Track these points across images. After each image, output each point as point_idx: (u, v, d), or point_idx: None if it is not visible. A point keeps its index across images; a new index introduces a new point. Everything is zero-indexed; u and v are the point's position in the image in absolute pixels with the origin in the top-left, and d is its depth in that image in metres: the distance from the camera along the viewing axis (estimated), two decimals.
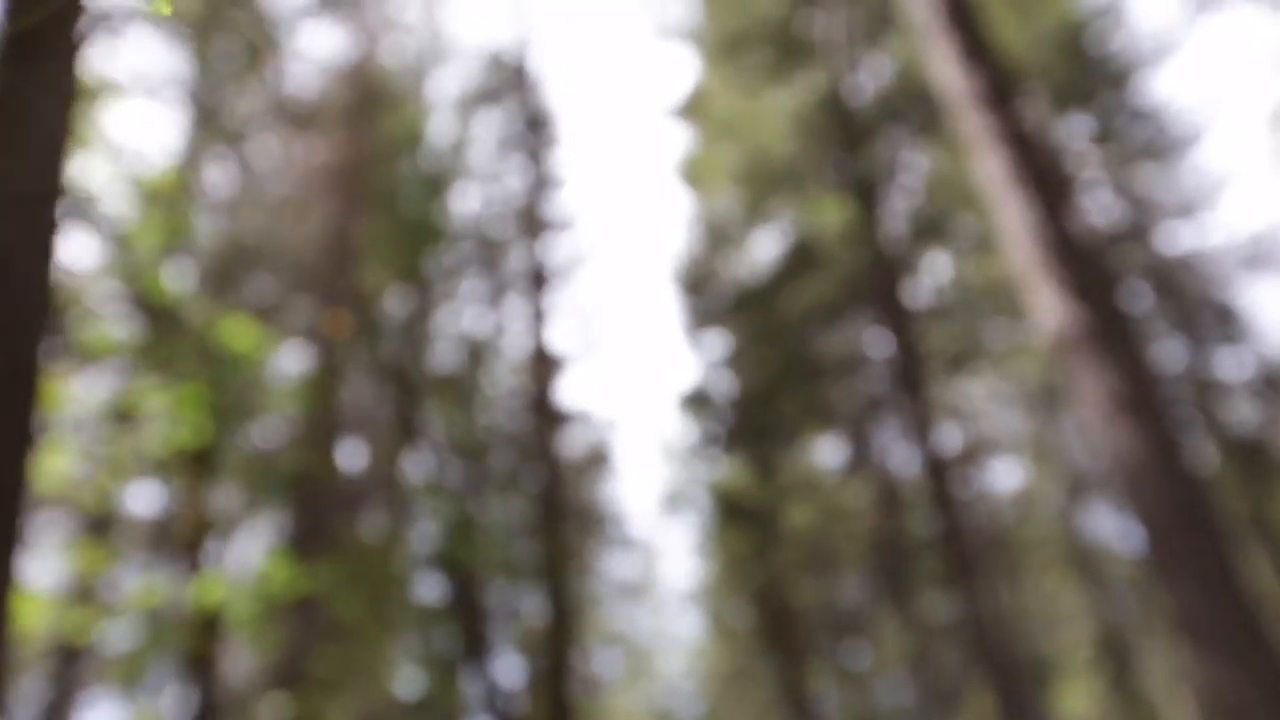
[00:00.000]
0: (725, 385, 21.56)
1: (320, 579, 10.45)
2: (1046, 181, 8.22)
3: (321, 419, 16.92)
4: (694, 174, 21.14)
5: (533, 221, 18.54)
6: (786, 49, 19.15)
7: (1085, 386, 7.52)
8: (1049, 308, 7.92)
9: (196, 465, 9.00)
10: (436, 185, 20.97)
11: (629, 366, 28.35)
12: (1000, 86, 8.74)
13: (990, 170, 8.59)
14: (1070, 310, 7.75)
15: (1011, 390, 26.27)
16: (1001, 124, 8.55)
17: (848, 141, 18.10)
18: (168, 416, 8.72)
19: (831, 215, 16.71)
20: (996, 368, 26.15)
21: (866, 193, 17.67)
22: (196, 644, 8.28)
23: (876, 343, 21.26)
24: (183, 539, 9.32)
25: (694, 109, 20.09)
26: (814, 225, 18.50)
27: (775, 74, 18.48)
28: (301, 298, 15.05)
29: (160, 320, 10.06)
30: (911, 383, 19.63)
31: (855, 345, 20.67)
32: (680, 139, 21.72)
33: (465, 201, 21.94)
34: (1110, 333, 7.56)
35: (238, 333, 9.10)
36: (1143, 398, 7.19)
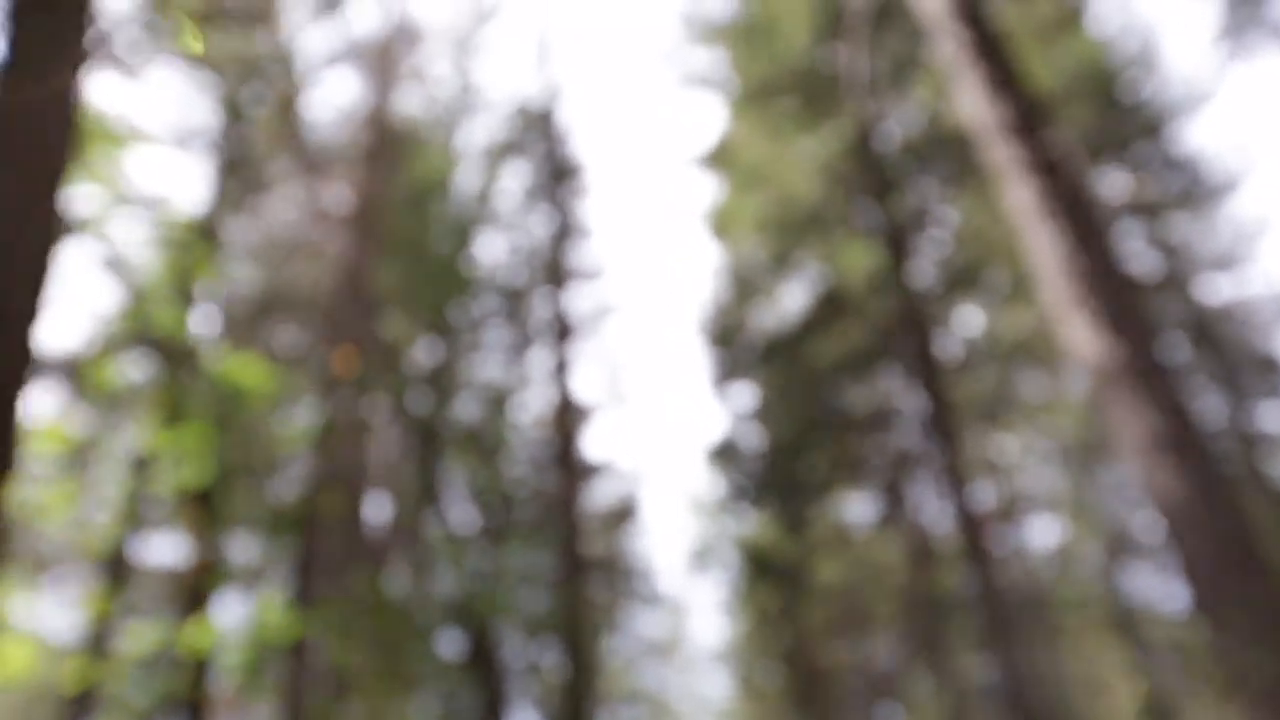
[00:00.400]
0: (753, 438, 21.18)
1: (328, 628, 10.14)
2: (1078, 211, 7.90)
3: (346, 469, 16.68)
4: (721, 223, 20.95)
5: (558, 271, 18.39)
6: (813, 96, 19.01)
7: (1124, 423, 7.14)
8: (1083, 341, 7.57)
9: (203, 508, 8.75)
10: (462, 234, 20.88)
11: (656, 418, 28.01)
12: (1029, 116, 8.46)
13: (1020, 201, 8.29)
14: (1106, 344, 7.40)
15: (1047, 445, 25.70)
16: (1031, 153, 8.26)
17: (876, 189, 17.86)
18: (174, 457, 8.50)
19: (860, 263, 16.42)
20: (1031, 421, 25.61)
21: (896, 241, 17.39)
22: (191, 692, 7.99)
23: (907, 395, 20.85)
24: (188, 584, 9.06)
25: (721, 158, 19.94)
26: (842, 274, 18.21)
27: (803, 122, 18.31)
28: (322, 344, 14.90)
29: (173, 361, 9.89)
30: (944, 436, 19.16)
31: (886, 397, 20.27)
32: (707, 188, 21.57)
33: (491, 251, 21.84)
34: (1148, 367, 7.19)
35: (249, 373, 8.89)
36: (1184, 435, 6.80)
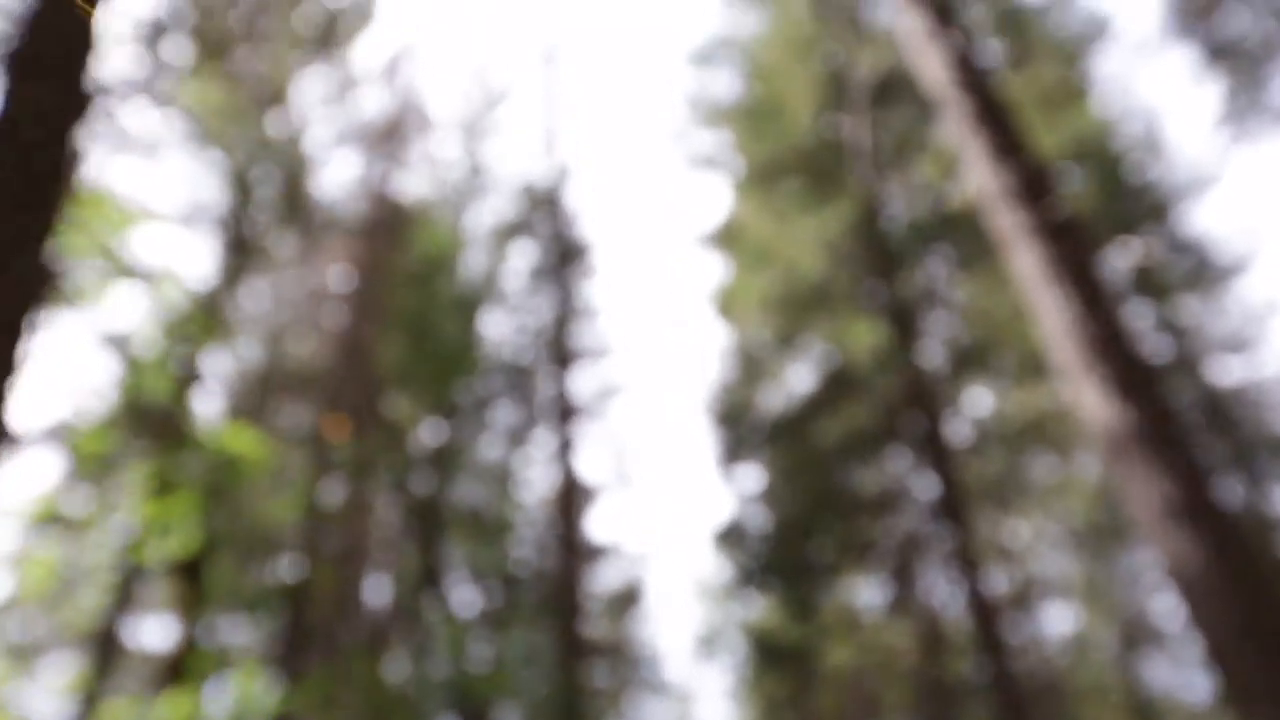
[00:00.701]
0: (760, 520, 20.86)
1: (320, 709, 9.82)
2: (1085, 276, 7.77)
3: (346, 548, 16.41)
4: (727, 303, 20.89)
5: (563, 352, 18.30)
6: (819, 175, 19.06)
7: (1137, 491, 6.91)
8: (1094, 408, 7.38)
9: (191, 582, 8.52)
10: (468, 313, 20.83)
11: (662, 500, 27.70)
12: (1033, 182, 8.38)
13: (1026, 267, 8.16)
14: (1116, 409, 7.20)
15: (1060, 529, 25.29)
16: (1035, 219, 8.16)
17: (883, 268, 17.81)
18: (162, 528, 8.30)
19: (867, 343, 16.29)
20: (1043, 505, 25.23)
21: (903, 320, 17.28)
22: None
23: (916, 476, 20.56)
24: (175, 664, 8.79)
25: (727, 237, 19.96)
26: (849, 353, 18.07)
27: (808, 201, 18.34)
28: (324, 421, 14.76)
29: (167, 433, 9.74)
30: (954, 519, 18.80)
31: (894, 479, 19.98)
32: (714, 268, 21.57)
33: (496, 330, 21.81)
34: (1160, 433, 6.99)
35: (243, 443, 8.73)
36: (1199, 502, 6.58)
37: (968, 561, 18.18)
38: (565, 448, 17.18)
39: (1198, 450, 7.02)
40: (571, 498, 15.96)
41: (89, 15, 5.66)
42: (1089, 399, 7.46)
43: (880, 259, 18.00)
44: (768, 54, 20.74)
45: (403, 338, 19.40)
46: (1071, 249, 7.97)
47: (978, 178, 8.96)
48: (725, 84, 21.14)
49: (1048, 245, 8.04)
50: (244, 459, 8.60)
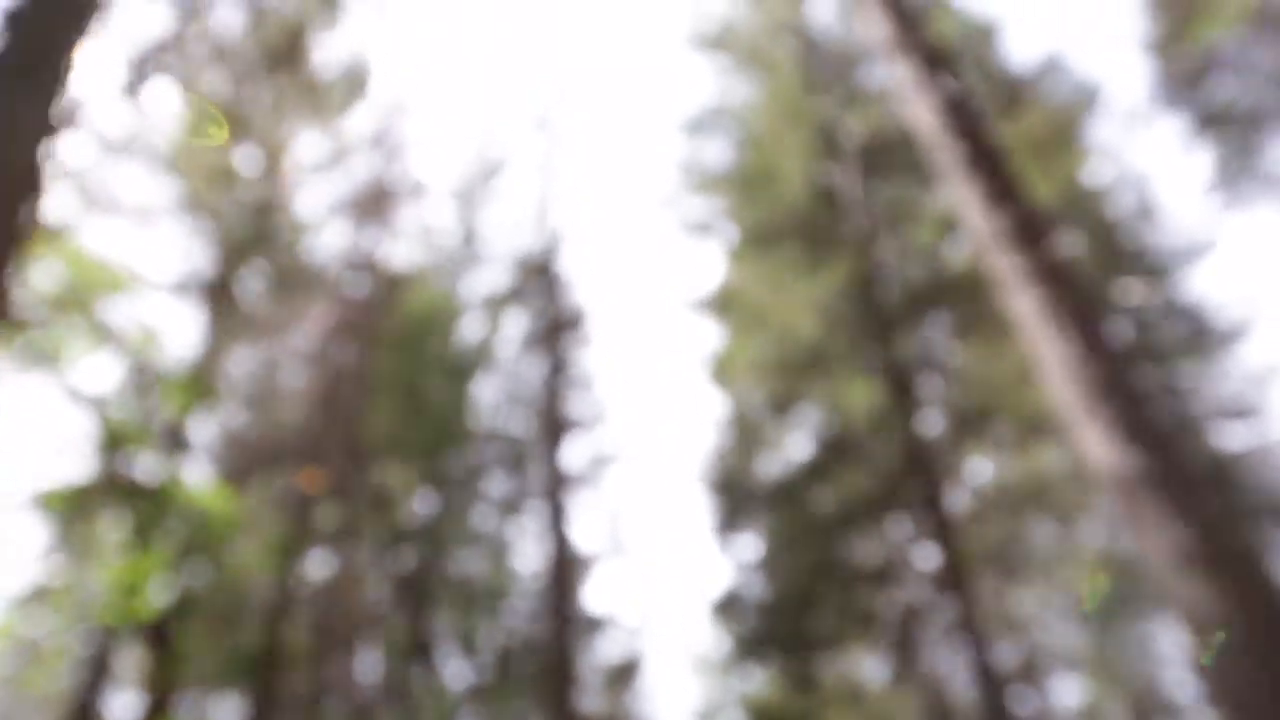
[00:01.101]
0: (758, 590, 20.41)
1: None
2: (1084, 318, 7.55)
3: (336, 622, 15.97)
4: (722, 369, 20.68)
5: (556, 421, 18.00)
6: (814, 240, 18.98)
7: (1147, 537, 6.62)
8: (1099, 453, 7.11)
9: (159, 646, 8.16)
10: (461, 382, 20.58)
11: (659, 570, 27.21)
12: (1028, 225, 8.21)
13: (1023, 310, 7.95)
14: (1122, 453, 6.93)
15: (1066, 599, 24.79)
16: (1032, 261, 7.97)
17: (879, 332, 17.62)
18: (128, 587, 7.97)
19: (864, 406, 16.03)
20: (1047, 574, 24.75)
21: (900, 385, 17.03)
22: None
23: (917, 545, 20.17)
24: None
25: (721, 302, 19.80)
26: (846, 418, 17.82)
27: (803, 265, 18.22)
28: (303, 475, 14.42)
29: (144, 497, 9.45)
30: (957, 589, 18.35)
31: (895, 547, 19.58)
32: (708, 334, 21.39)
33: (488, 398, 21.53)
34: (1170, 477, 6.71)
35: (217, 502, 8.43)
36: (1215, 546, 6.28)
37: (972, 632, 17.70)
38: (558, 518, 16.81)
39: (1208, 494, 6.75)
40: (566, 568, 15.55)
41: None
42: (1094, 444, 7.20)
43: (876, 323, 17.81)
44: (760, 120, 20.79)
45: (393, 405, 19.15)
46: (1070, 291, 7.77)
47: (972, 223, 8.79)
48: (718, 151, 21.16)
49: (1045, 288, 7.84)
50: (219, 518, 8.29)
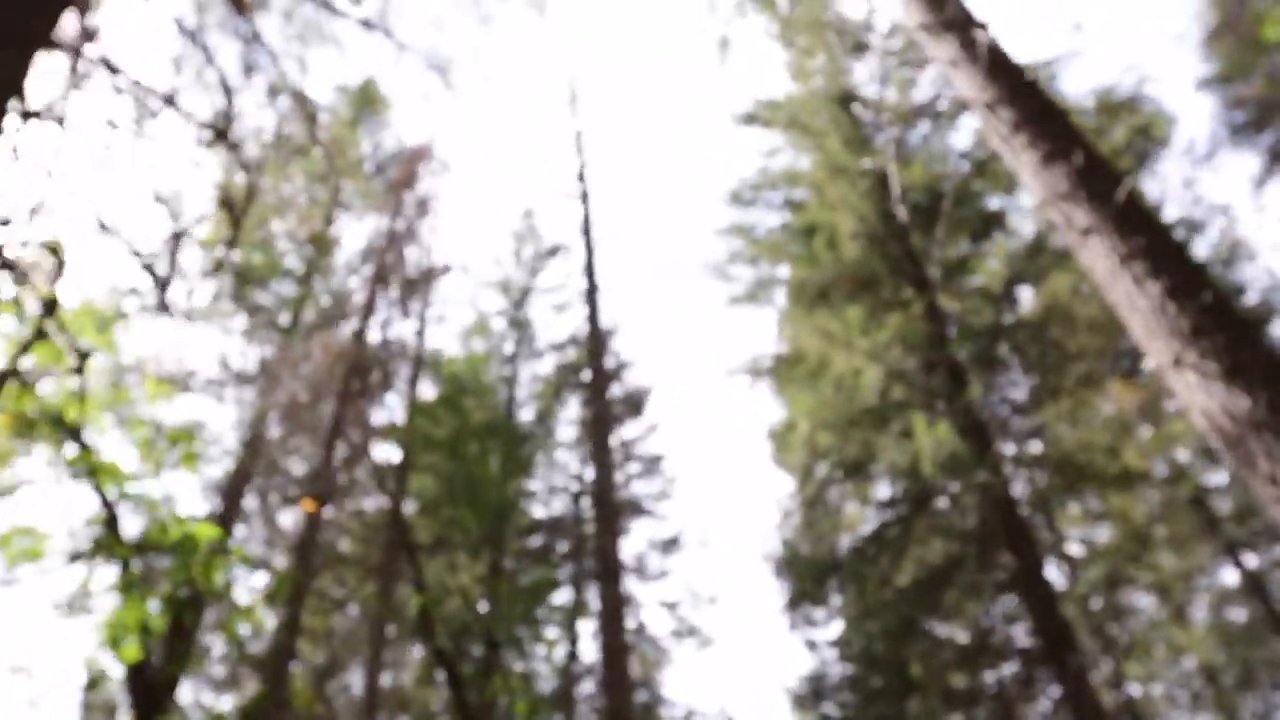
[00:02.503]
0: (839, 673, 18.97)
1: None
2: (1164, 257, 6.59)
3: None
4: (785, 440, 19.70)
5: (611, 507, 17.03)
6: (873, 295, 18.11)
7: (1262, 486, 5.56)
8: (1197, 402, 6.08)
9: (151, 700, 7.33)
10: (516, 472, 19.74)
11: (732, 657, 25.72)
12: (1090, 178, 7.32)
13: (1097, 267, 7.01)
14: (1222, 399, 5.91)
15: (1177, 677, 22.85)
16: (1097, 214, 7.06)
17: (948, 378, 16.56)
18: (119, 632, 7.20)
19: (938, 460, 14.84)
20: (1153, 650, 22.89)
21: (976, 432, 15.87)
22: None
23: (1011, 616, 18.65)
24: None
25: (781, 367, 18.91)
26: (920, 472, 16.64)
27: (863, 321, 17.29)
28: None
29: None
30: (1060, 665, 16.74)
31: (986, 618, 18.09)
32: (768, 407, 20.45)
33: (543, 486, 20.77)
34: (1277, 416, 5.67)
35: (207, 533, 7.67)
36: None
37: (1082, 713, 16.02)
38: (615, 606, 15.65)
39: None
40: (621, 659, 14.37)
41: None
42: (1190, 394, 6.18)
43: (944, 369, 16.77)
44: (809, 183, 20.20)
45: (447, 496, 18.37)
46: (1146, 234, 6.82)
47: (1033, 191, 7.92)
48: (766, 216, 20.56)
49: (1119, 235, 6.91)
50: (216, 556, 7.52)
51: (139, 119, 7.49)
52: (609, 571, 14.27)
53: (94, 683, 7.32)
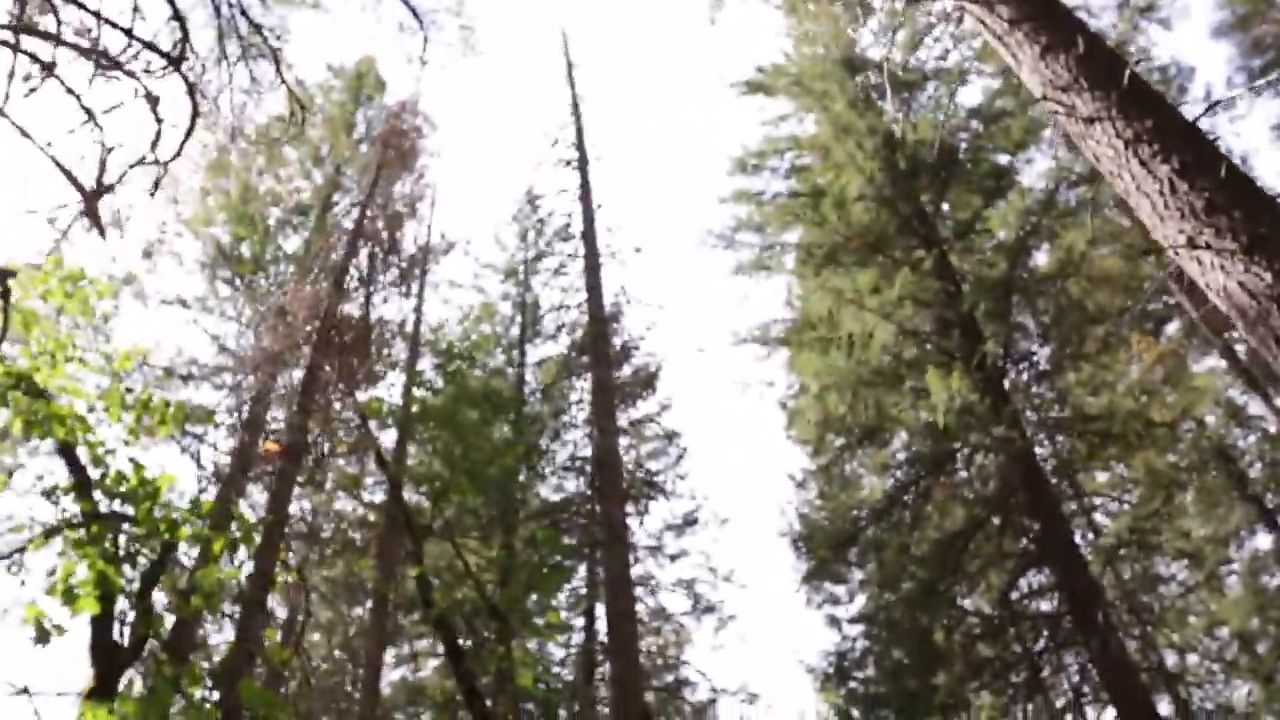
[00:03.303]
0: (861, 650, 18.44)
1: None
2: (1172, 137, 6.11)
3: None
4: (797, 411, 19.19)
5: (616, 471, 16.53)
6: (883, 254, 17.61)
7: None
8: (1214, 282, 5.59)
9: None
10: (525, 456, 19.22)
11: (752, 635, 25.14)
12: (1093, 62, 6.85)
13: (1102, 156, 6.53)
14: (1240, 275, 5.42)
15: (1212, 649, 22.13)
16: (1102, 101, 6.58)
17: (962, 329, 16.03)
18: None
19: (953, 413, 14.24)
20: (1185, 621, 22.22)
21: (993, 384, 15.31)
22: None
23: (1037, 582, 18.08)
24: None
25: (791, 332, 18.42)
26: (937, 437, 16.09)
27: (874, 280, 16.76)
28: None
29: None
30: (1091, 634, 15.97)
31: (1014, 584, 17.49)
32: (779, 378, 19.98)
33: (549, 471, 20.38)
34: None
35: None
36: None
37: (1115, 685, 15.29)
38: (622, 570, 15.15)
39: None
40: (629, 625, 13.88)
41: None
42: (1206, 272, 5.69)
43: (959, 330, 16.24)
44: (816, 147, 19.74)
45: (444, 465, 17.93)
46: (1152, 117, 6.32)
47: (1032, 87, 7.45)
48: (773, 183, 20.09)
49: (1122, 121, 6.41)
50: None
51: (90, 47, 7.14)
52: (615, 536, 13.83)
53: (43, 636, 6.84)
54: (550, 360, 22.22)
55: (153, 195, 6.81)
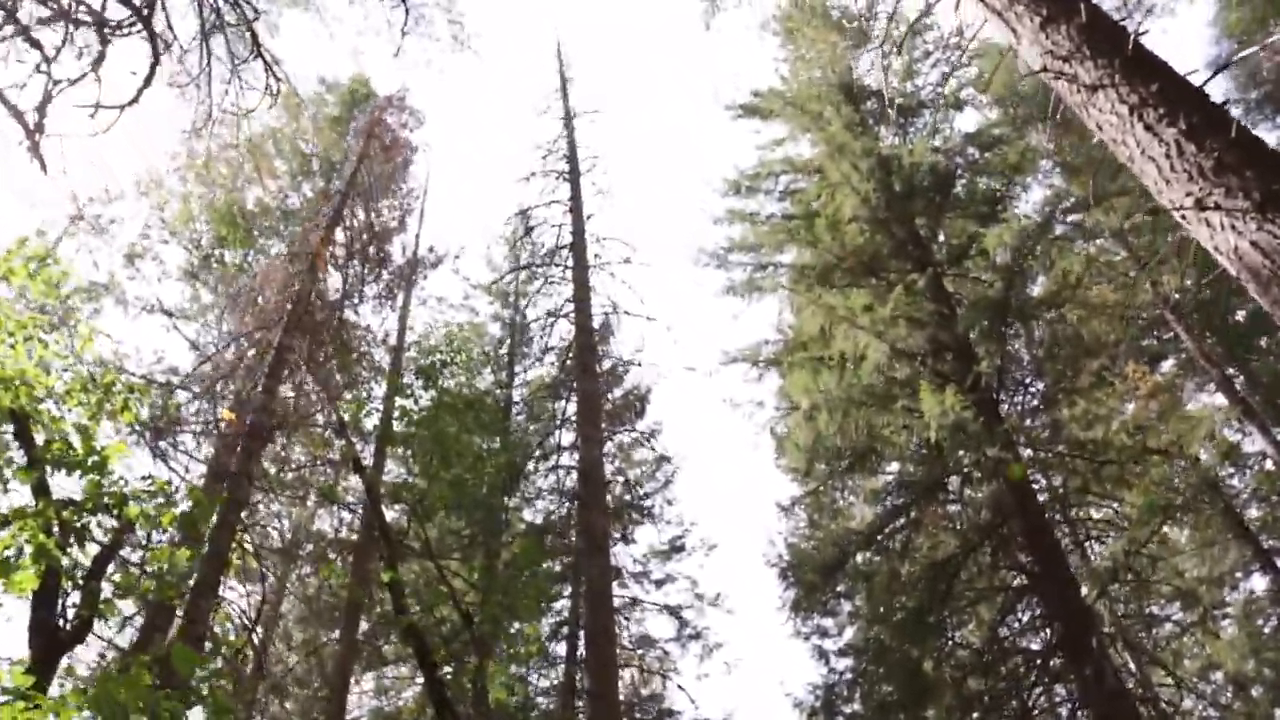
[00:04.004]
0: (849, 683, 17.94)
1: None
2: (1173, 99, 5.84)
3: None
4: (787, 438, 18.83)
5: (598, 484, 16.12)
6: (876, 275, 17.35)
7: None
8: (1222, 240, 5.30)
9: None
10: (509, 476, 18.78)
11: (738, 665, 24.58)
12: (1094, 34, 6.59)
13: (1103, 123, 6.26)
14: (1252, 235, 5.13)
15: (1209, 688, 21.68)
16: (1105, 66, 6.32)
17: (956, 350, 15.72)
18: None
19: (948, 421, 13.86)
20: (1180, 659, 21.78)
21: (986, 404, 14.97)
22: None
23: (1030, 614, 17.63)
24: None
25: (781, 353, 18.12)
26: (930, 466, 15.75)
27: (867, 301, 16.46)
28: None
29: None
30: (1084, 666, 15.46)
31: (1007, 616, 17.06)
32: (770, 401, 19.63)
33: (538, 491, 19.93)
34: None
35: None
36: None
37: (1108, 716, 14.81)
38: (602, 581, 14.68)
39: None
40: (607, 640, 13.42)
41: None
42: (1215, 234, 5.39)
43: (953, 351, 15.93)
44: (810, 169, 19.56)
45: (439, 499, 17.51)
46: (1157, 81, 6.05)
47: (1031, 60, 7.20)
48: (769, 204, 19.89)
49: (1126, 87, 6.14)
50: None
51: None
52: (596, 546, 13.41)
53: None
54: (538, 380, 21.89)
55: (102, 135, 6.49)
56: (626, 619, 20.04)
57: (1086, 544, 19.65)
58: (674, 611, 20.17)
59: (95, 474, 6.83)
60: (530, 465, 20.17)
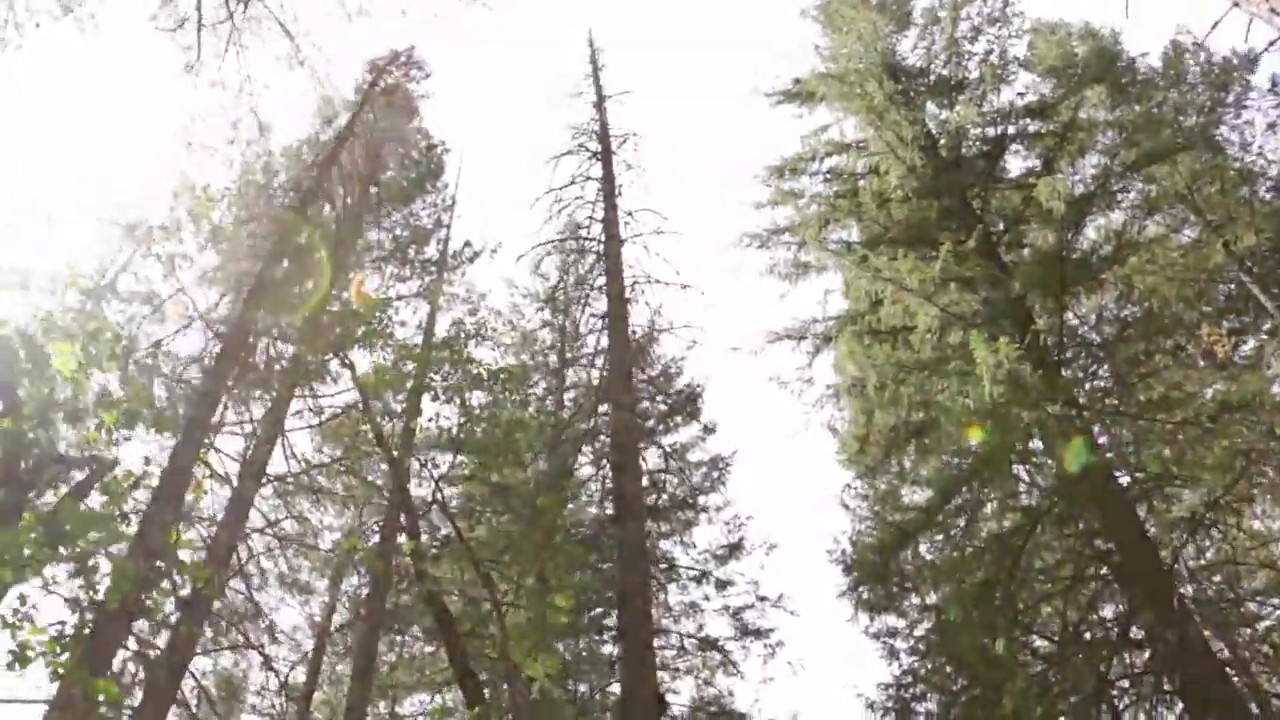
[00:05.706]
0: (921, 674, 16.93)
1: None
2: None
3: None
4: (847, 430, 18.07)
5: (632, 451, 15.45)
6: (931, 246, 16.60)
7: None
8: None
9: None
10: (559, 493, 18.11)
11: (804, 664, 23.50)
12: None
13: None
14: None
15: None
16: None
17: (1012, 307, 14.83)
18: None
19: (1004, 370, 12.92)
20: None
21: (1046, 360, 14.03)
22: None
23: (1114, 590, 16.42)
24: None
25: (833, 330, 17.41)
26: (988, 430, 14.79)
27: (920, 270, 15.67)
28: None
29: None
30: (1179, 661, 14.08)
31: (1087, 593, 15.89)
32: (828, 401, 18.84)
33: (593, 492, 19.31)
34: None
35: None
36: None
37: (1192, 677, 13.39)
38: (636, 545, 13.92)
39: None
40: (640, 602, 12.68)
41: None
42: None
43: (1007, 310, 15.06)
44: (856, 142, 18.99)
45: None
46: None
47: None
48: (813, 185, 19.31)
49: None
50: None
51: None
52: (631, 512, 12.77)
53: None
54: (583, 384, 21.41)
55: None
56: (687, 622, 19.39)
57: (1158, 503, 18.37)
58: (735, 613, 19.37)
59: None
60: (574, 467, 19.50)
